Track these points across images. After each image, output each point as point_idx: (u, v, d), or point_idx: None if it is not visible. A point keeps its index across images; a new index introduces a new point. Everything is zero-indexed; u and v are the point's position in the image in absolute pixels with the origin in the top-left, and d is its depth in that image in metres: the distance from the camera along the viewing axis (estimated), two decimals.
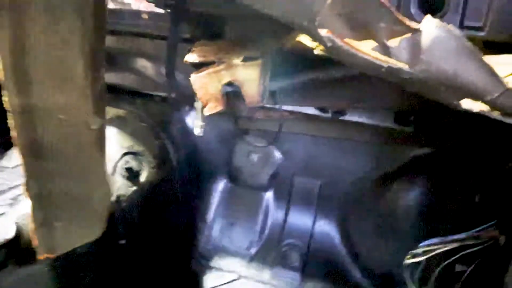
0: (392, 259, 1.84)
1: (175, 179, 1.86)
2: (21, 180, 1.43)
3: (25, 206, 1.30)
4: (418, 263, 1.40)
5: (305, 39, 0.96)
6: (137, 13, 1.51)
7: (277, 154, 2.06)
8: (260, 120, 1.84)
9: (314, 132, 1.85)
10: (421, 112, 1.46)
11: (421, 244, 1.38)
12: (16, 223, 1.22)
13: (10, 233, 1.17)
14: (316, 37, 0.70)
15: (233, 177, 2.20)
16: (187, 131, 1.96)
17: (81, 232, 1.14)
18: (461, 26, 0.95)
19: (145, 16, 1.51)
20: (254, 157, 2.08)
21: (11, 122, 0.80)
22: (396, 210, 1.86)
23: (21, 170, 1.55)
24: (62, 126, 0.84)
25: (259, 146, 1.96)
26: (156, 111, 1.85)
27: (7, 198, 1.34)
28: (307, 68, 1.23)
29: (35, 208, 0.98)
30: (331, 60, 0.78)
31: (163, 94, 1.84)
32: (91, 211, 1.12)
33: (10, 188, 1.40)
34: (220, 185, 2.21)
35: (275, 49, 1.16)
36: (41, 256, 1.07)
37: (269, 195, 2.15)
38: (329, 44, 0.69)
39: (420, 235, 1.49)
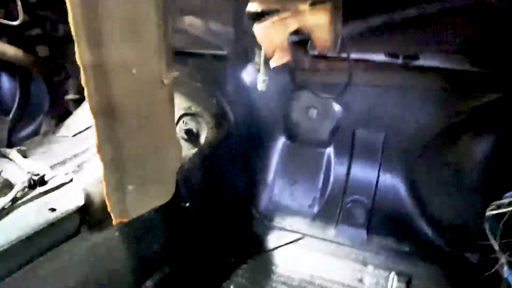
0: (464, 211, 1.75)
1: (233, 138, 1.81)
2: (83, 147, 1.44)
3: (91, 172, 1.29)
4: (502, 215, 1.29)
5: None
6: None
7: (337, 107, 1.96)
8: (319, 73, 1.74)
9: (378, 81, 1.73)
10: (500, 53, 1.34)
11: (507, 194, 1.28)
12: (84, 189, 1.20)
13: (80, 200, 1.15)
14: None
15: (292, 134, 2.12)
16: (242, 88, 1.89)
17: (153, 195, 1.11)
18: None
19: None
20: (313, 112, 1.98)
21: (82, 79, 0.75)
22: (466, 161, 1.77)
23: (81, 138, 1.56)
24: (135, 82, 0.78)
25: (323, 97, 1.84)
26: (208, 69, 1.79)
27: (72, 166, 1.33)
28: (380, 10, 1.13)
29: (108, 172, 0.95)
30: None
31: (214, 52, 1.78)
32: (163, 172, 1.08)
33: (73, 156, 1.39)
34: (279, 143, 2.14)
35: None
36: (114, 221, 1.05)
37: (329, 151, 2.06)
38: None
39: (491, 187, 1.39)
